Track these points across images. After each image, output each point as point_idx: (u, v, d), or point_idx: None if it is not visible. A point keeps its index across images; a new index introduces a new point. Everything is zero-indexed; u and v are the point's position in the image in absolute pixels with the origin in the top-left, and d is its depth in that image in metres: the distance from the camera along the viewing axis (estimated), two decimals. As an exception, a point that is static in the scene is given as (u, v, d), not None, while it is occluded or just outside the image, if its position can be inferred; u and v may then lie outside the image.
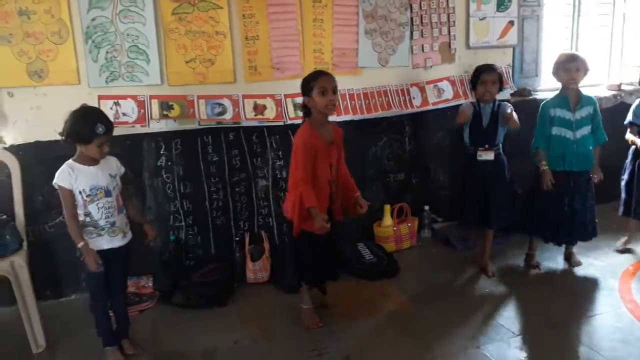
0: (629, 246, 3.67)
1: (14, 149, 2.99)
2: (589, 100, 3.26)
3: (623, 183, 3.64)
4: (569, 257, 3.52)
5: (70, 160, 2.41)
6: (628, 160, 3.62)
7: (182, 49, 3.29)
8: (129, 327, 2.73)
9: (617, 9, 4.65)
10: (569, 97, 3.23)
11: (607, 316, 2.87)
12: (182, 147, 3.40)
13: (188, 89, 3.34)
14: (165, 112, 3.31)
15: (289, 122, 3.54)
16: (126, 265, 2.65)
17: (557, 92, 3.32)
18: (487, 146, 3.25)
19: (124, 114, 3.21)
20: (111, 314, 2.66)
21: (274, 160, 3.61)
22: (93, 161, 2.44)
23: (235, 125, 3.47)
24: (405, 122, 3.90)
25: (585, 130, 3.24)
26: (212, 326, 2.91)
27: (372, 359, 2.58)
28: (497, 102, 3.27)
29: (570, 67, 3.15)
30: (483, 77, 3.19)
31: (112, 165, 2.55)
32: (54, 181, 2.38)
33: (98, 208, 2.43)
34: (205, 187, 3.49)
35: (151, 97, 3.27)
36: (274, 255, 3.48)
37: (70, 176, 2.39)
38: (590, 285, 3.25)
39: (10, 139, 3.03)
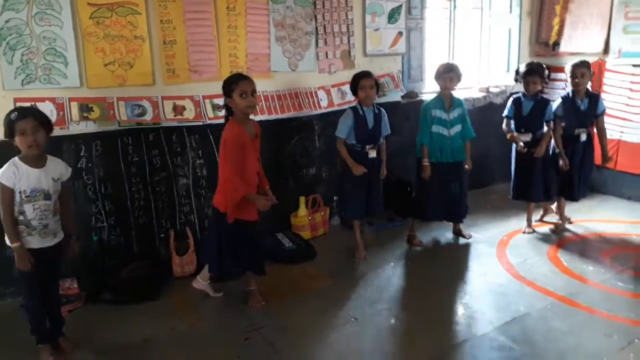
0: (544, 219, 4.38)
1: None
2: (459, 103, 3.89)
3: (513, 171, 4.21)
4: (459, 232, 4.12)
5: (16, 158, 2.44)
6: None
7: (100, 52, 3.36)
8: (63, 325, 2.77)
9: (484, 22, 5.45)
10: (445, 100, 3.81)
11: (488, 275, 3.48)
12: (103, 149, 3.45)
13: (107, 91, 3.40)
14: (85, 114, 3.35)
15: (208, 122, 3.75)
16: (57, 264, 2.68)
17: (435, 95, 3.89)
18: (372, 145, 3.65)
19: (43, 116, 3.20)
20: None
21: (194, 159, 3.78)
22: (38, 161, 2.47)
23: (155, 126, 3.59)
24: (315, 121, 4.28)
25: (458, 128, 3.84)
26: (147, 318, 3.03)
27: (306, 328, 2.90)
28: (375, 105, 3.67)
29: (446, 76, 3.74)
30: (362, 82, 3.55)
31: (58, 169, 2.57)
32: None
33: (34, 209, 2.47)
34: (127, 187, 3.56)
35: (70, 99, 3.29)
36: (199, 249, 3.64)
37: (15, 175, 2.41)
38: (472, 253, 3.87)
39: None
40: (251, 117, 3.09)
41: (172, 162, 3.71)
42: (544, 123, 3.99)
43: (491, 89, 5.37)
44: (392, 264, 3.72)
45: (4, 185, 2.40)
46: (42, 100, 3.21)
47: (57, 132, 3.20)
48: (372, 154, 3.66)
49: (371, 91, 3.57)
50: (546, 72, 4.04)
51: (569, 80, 3.98)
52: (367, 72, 3.65)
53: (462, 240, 4.07)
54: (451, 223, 4.15)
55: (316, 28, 4.16)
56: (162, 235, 3.68)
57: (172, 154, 3.70)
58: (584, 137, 4.01)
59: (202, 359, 2.64)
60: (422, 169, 3.79)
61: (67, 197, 2.69)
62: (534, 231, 4.19)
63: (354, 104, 4.37)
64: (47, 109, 3.21)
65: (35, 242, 2.51)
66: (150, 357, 2.66)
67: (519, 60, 5.45)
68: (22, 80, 3.14)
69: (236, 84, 2.87)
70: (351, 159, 3.59)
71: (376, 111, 3.67)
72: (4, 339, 2.83)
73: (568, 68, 3.98)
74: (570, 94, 4.01)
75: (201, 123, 3.74)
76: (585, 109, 3.96)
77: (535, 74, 3.93)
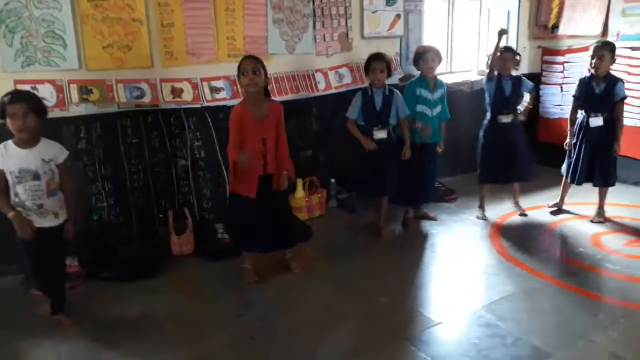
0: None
1: None
2: (441, 84, 3.92)
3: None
4: (424, 216, 4.17)
5: (8, 141, 2.52)
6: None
7: (99, 35, 3.40)
8: (65, 303, 2.85)
9: (483, 4, 5.44)
10: (430, 80, 3.83)
11: (479, 256, 3.57)
12: (102, 130, 3.52)
13: (106, 73, 3.46)
14: (84, 96, 3.41)
15: (206, 104, 3.80)
16: (61, 243, 2.74)
17: (419, 74, 3.90)
18: (380, 126, 3.69)
19: (43, 99, 3.24)
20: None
21: (192, 141, 3.84)
22: (28, 143, 2.54)
23: (153, 107, 3.65)
24: (312, 104, 4.32)
25: (439, 109, 3.88)
26: (145, 295, 3.12)
27: (299, 305, 3.01)
28: (387, 87, 3.73)
29: (427, 56, 3.77)
30: (373, 65, 3.62)
31: (50, 151, 2.62)
32: None
33: (25, 190, 2.54)
34: (126, 168, 3.64)
35: (70, 81, 3.35)
36: (197, 229, 3.73)
37: (3, 157, 2.50)
38: (466, 235, 3.94)
39: None
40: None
41: (171, 144, 3.77)
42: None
43: (489, 72, 5.37)
44: (386, 244, 3.80)
45: None
46: (42, 82, 3.27)
47: (57, 113, 3.33)
48: (379, 134, 3.68)
49: (381, 74, 3.63)
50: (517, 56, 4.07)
51: (589, 62, 3.88)
52: (379, 54, 3.71)
53: (456, 223, 4.13)
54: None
55: (314, 10, 4.18)
56: (161, 216, 3.76)
57: (171, 135, 3.76)
58: (595, 122, 3.87)
59: (197, 333, 2.73)
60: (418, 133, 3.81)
61: (65, 180, 2.72)
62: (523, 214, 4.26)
63: (351, 86, 4.42)
64: (47, 90, 3.28)
65: (34, 222, 2.57)
66: (148, 331, 2.76)
67: (518, 42, 5.46)
68: (22, 63, 3.20)
69: (240, 64, 2.98)
70: (361, 134, 3.66)
71: (387, 93, 3.70)
72: (4, 315, 2.92)
73: (590, 49, 3.89)
74: (588, 77, 3.93)
75: (199, 105, 3.79)
76: (600, 93, 3.85)
77: (509, 52, 4.02)
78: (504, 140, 4.04)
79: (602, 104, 3.87)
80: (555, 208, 4.29)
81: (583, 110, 3.97)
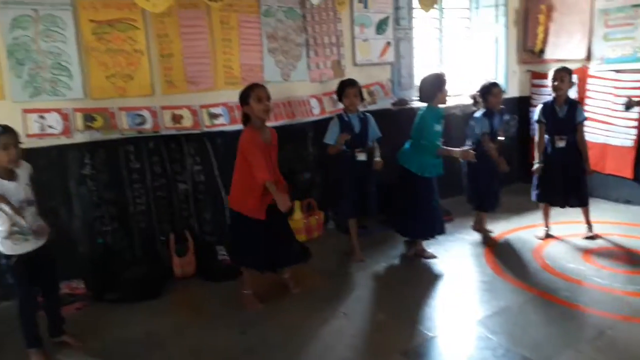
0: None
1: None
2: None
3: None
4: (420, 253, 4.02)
5: None
6: None
7: (102, 66, 3.57)
8: (63, 324, 2.93)
9: (471, 31, 5.66)
10: (441, 111, 3.78)
11: (474, 273, 3.67)
12: (106, 156, 3.65)
13: (109, 102, 3.62)
14: (88, 124, 3.55)
15: (205, 130, 3.95)
16: (53, 262, 2.80)
17: (429, 106, 3.73)
18: (360, 148, 3.80)
19: (49, 127, 3.41)
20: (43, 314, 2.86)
21: (192, 166, 3.97)
22: (9, 174, 2.59)
23: (155, 134, 3.79)
24: (308, 128, 4.47)
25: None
26: (149, 315, 3.22)
27: (299, 323, 3.07)
28: (360, 111, 3.84)
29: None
30: (347, 90, 3.74)
31: (26, 173, 2.68)
32: None
33: (25, 217, 2.61)
34: (129, 192, 3.76)
35: (75, 110, 3.50)
36: (198, 251, 3.82)
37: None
38: (461, 253, 4.04)
39: None
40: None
41: (172, 169, 3.90)
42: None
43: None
44: (383, 264, 3.90)
45: None
46: (49, 111, 3.42)
47: (62, 140, 3.48)
48: (361, 156, 3.80)
49: (355, 99, 3.75)
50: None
51: (550, 84, 4.06)
52: (351, 80, 3.83)
53: (451, 242, 4.22)
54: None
55: (307, 40, 4.37)
56: (162, 238, 3.86)
57: (172, 160, 3.90)
58: (561, 144, 4.05)
59: (199, 351, 2.81)
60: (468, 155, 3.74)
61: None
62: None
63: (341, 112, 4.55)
64: (53, 119, 3.44)
65: (31, 245, 2.65)
66: (151, 349, 2.84)
67: (507, 67, 5.66)
68: (30, 93, 3.36)
69: (252, 90, 3.08)
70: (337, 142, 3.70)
71: (361, 116, 3.83)
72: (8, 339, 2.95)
73: (550, 73, 4.10)
74: (550, 101, 4.11)
75: (199, 131, 3.94)
76: (563, 116, 4.04)
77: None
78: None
79: (565, 127, 4.05)
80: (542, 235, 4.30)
81: (547, 134, 4.11)
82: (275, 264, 3.35)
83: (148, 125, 3.75)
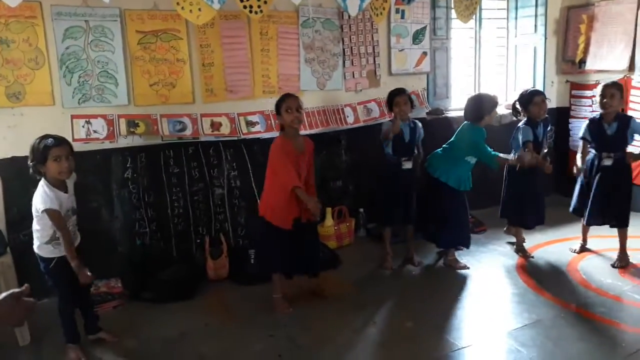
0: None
1: (-7, 164, 3.28)
2: None
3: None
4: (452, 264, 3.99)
5: (44, 183, 2.63)
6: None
7: (146, 74, 3.74)
8: (98, 321, 3.06)
9: (509, 41, 5.61)
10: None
11: (506, 285, 3.64)
12: (147, 161, 3.81)
13: (152, 108, 3.77)
14: (131, 129, 3.71)
15: (242, 137, 4.06)
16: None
17: (479, 127, 3.70)
18: (407, 157, 3.85)
19: (94, 132, 3.59)
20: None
21: (228, 171, 4.09)
22: (62, 186, 2.68)
23: (194, 140, 3.93)
24: (341, 136, 4.53)
25: None
26: (183, 315, 3.32)
27: (327, 328, 3.12)
28: (411, 120, 3.90)
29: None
30: (397, 99, 3.78)
31: (72, 183, 2.78)
32: (42, 207, 2.58)
33: (68, 226, 2.72)
34: (168, 196, 3.90)
35: (119, 116, 3.67)
36: (231, 254, 3.93)
37: (56, 200, 2.62)
38: (494, 264, 4.00)
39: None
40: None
41: (209, 174, 4.03)
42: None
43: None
44: (413, 273, 3.91)
45: (53, 209, 2.59)
46: (95, 117, 3.60)
47: (107, 145, 3.64)
48: (407, 165, 3.84)
49: (405, 107, 3.78)
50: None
51: (598, 101, 3.80)
52: (401, 89, 3.87)
53: (484, 254, 4.19)
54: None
55: (343, 50, 4.45)
56: (198, 241, 3.99)
57: (209, 166, 4.02)
58: (608, 162, 3.79)
59: (230, 352, 2.90)
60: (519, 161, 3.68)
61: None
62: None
63: (379, 120, 4.59)
64: (99, 124, 3.61)
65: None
66: (185, 348, 2.94)
67: (545, 77, 5.57)
68: (79, 99, 3.54)
69: (283, 101, 3.20)
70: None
71: (412, 125, 3.87)
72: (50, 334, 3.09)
73: (598, 89, 3.84)
74: (598, 117, 3.88)
75: (236, 138, 4.06)
76: (612, 133, 3.76)
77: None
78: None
79: (614, 144, 3.79)
80: (577, 248, 4.18)
81: (593, 151, 3.90)
82: (301, 271, 3.42)
83: (188, 132, 3.90)
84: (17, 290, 1.50)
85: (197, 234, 4.01)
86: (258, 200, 4.10)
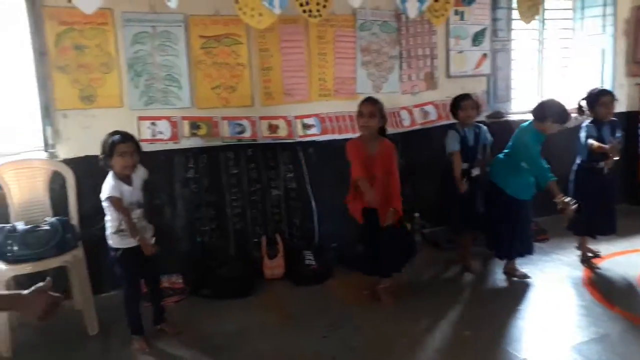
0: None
1: (68, 162, 3.46)
2: None
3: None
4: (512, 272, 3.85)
5: (112, 175, 2.85)
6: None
7: (208, 78, 3.85)
8: (164, 313, 3.20)
9: (575, 42, 5.38)
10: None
11: (572, 297, 3.50)
12: (208, 161, 3.92)
13: (213, 111, 3.89)
14: (194, 131, 3.84)
15: (299, 139, 4.12)
16: (155, 258, 3.01)
17: (532, 127, 3.56)
18: (471, 163, 3.79)
19: (159, 132, 3.74)
20: (148, 305, 3.16)
21: (285, 173, 4.15)
22: (127, 179, 2.87)
23: (253, 142, 4.02)
24: (397, 139, 4.47)
25: None
26: (240, 312, 3.40)
27: (381, 331, 3.11)
28: (476, 124, 3.85)
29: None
30: (463, 103, 3.75)
31: (140, 178, 2.95)
32: (105, 195, 2.81)
33: (133, 216, 2.88)
34: (227, 196, 4.01)
35: (182, 118, 3.81)
36: (287, 254, 3.98)
37: (118, 190, 2.83)
38: (559, 275, 3.84)
39: (63, 153, 3.53)
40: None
41: (267, 175, 4.10)
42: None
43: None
44: (471, 280, 3.82)
45: (115, 197, 2.82)
46: (160, 118, 3.75)
47: (170, 145, 3.79)
48: (475, 172, 3.81)
49: (472, 111, 3.75)
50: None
51: None
52: (466, 94, 3.86)
53: (547, 263, 4.04)
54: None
55: (400, 52, 4.41)
56: (255, 240, 4.06)
57: (267, 167, 4.10)
58: None
59: (286, 350, 2.95)
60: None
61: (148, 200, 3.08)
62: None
63: (436, 123, 4.52)
64: (164, 126, 3.76)
65: (133, 241, 2.88)
66: (241, 344, 3.01)
67: (614, 79, 5.31)
68: (145, 102, 3.70)
69: (359, 105, 3.37)
70: (459, 175, 3.72)
71: (476, 130, 3.82)
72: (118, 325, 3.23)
73: None
74: None
75: (292, 140, 4.11)
76: None
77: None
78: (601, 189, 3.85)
79: None
80: None
81: None
82: (376, 271, 3.51)
83: (247, 134, 3.99)
84: (41, 284, 1.60)
85: (254, 234, 4.09)
86: (312, 202, 4.17)
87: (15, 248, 2.91)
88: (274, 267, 3.90)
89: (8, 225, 3.03)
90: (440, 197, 4.14)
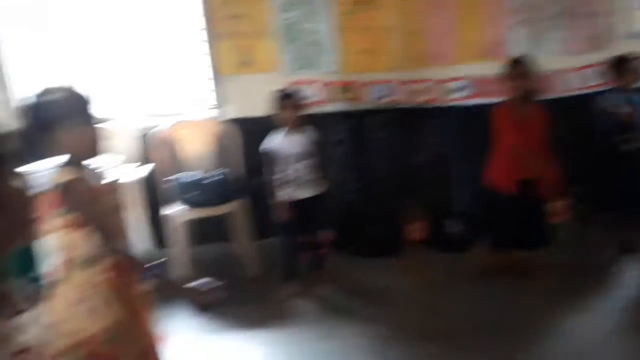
0: None
1: (233, 122, 3.80)
2: None
3: None
4: None
5: (277, 129, 3.14)
6: None
7: (353, 42, 3.92)
8: (321, 261, 3.40)
9: None
10: None
11: None
12: (354, 125, 4.02)
13: (358, 75, 3.96)
14: (340, 95, 3.96)
15: (444, 103, 4.02)
16: (317, 212, 3.22)
17: None
18: (629, 135, 3.38)
19: (311, 96, 3.90)
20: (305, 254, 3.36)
21: (429, 138, 4.08)
22: (295, 131, 3.12)
23: (397, 106, 4.02)
24: (553, 106, 4.07)
25: None
26: (383, 271, 3.51)
27: (533, 307, 2.98)
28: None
29: None
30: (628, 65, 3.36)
31: (307, 135, 3.19)
32: (266, 148, 3.10)
33: (292, 169, 3.10)
34: (374, 159, 4.08)
35: (329, 82, 3.94)
36: (429, 220, 3.91)
37: (275, 142, 3.11)
38: None
39: (229, 114, 3.87)
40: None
41: (411, 140, 4.08)
42: None
43: None
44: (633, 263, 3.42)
45: (266, 150, 3.10)
46: (309, 82, 3.91)
47: (320, 108, 3.92)
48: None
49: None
50: None
51: None
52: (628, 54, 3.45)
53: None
54: None
55: (562, 9, 4.04)
56: (398, 204, 4.06)
57: (412, 132, 4.07)
58: None
59: (430, 312, 2.97)
60: None
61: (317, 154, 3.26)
62: None
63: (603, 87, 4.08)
64: (313, 90, 3.90)
65: (299, 194, 3.12)
66: (387, 300, 3.12)
67: None
68: (296, 67, 3.90)
69: (510, 67, 3.16)
70: None
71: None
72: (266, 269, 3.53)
73: None
74: None
75: (438, 105, 4.03)
76: None
77: None
78: None
79: None
80: None
81: None
82: (520, 245, 3.28)
83: (391, 98, 4.00)
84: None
85: (398, 197, 4.08)
86: (456, 168, 4.06)
87: (196, 193, 3.31)
88: (416, 231, 3.89)
89: (189, 174, 3.45)
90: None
